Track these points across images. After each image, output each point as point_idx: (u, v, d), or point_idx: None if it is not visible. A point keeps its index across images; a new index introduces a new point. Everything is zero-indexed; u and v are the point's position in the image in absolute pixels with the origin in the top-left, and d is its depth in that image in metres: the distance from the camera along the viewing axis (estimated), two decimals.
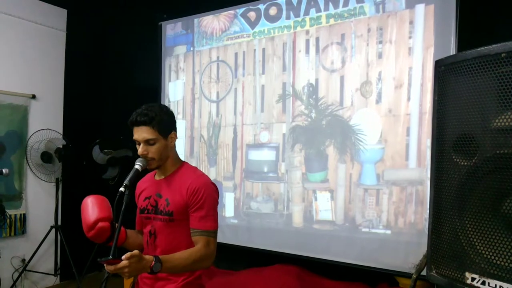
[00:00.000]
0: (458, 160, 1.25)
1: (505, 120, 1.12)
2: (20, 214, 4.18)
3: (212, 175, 3.85)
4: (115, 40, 4.83)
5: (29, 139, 4.20)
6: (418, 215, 2.90)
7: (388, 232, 3.02)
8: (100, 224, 1.64)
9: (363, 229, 3.11)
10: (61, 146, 4.22)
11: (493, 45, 1.14)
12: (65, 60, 4.66)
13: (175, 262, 1.57)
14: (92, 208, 1.67)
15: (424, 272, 1.47)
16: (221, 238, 3.59)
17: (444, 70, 1.30)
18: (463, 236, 1.22)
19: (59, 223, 4.30)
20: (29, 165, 4.20)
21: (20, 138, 4.20)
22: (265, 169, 3.62)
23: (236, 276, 3.43)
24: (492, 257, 1.14)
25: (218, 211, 1.78)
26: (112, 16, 4.74)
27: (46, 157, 4.14)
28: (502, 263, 1.12)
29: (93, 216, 1.64)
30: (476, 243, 1.19)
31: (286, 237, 3.46)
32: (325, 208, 3.29)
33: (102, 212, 1.65)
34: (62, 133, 4.47)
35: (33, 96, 4.31)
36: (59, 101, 4.62)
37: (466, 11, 2.75)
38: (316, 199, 3.33)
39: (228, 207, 3.81)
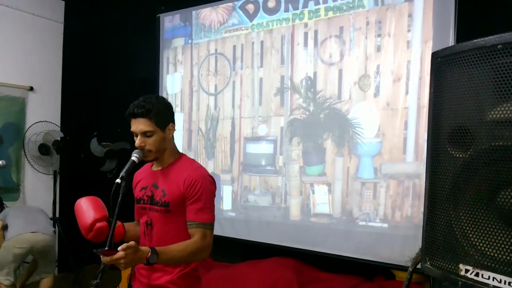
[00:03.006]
0: (453, 152, 1.25)
1: (500, 112, 1.11)
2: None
3: (210, 168, 3.85)
4: (113, 32, 4.81)
5: (26, 131, 4.20)
6: (415, 209, 2.91)
7: (385, 225, 3.03)
8: (98, 225, 1.64)
9: (360, 223, 3.12)
10: (59, 139, 4.21)
11: (490, 37, 1.13)
12: (63, 52, 4.65)
13: (171, 254, 1.58)
14: (87, 210, 1.67)
15: (420, 265, 1.47)
16: (219, 231, 3.64)
17: (440, 62, 1.30)
18: (458, 228, 1.22)
19: (57, 215, 4.30)
20: (26, 157, 4.20)
21: (17, 130, 4.19)
22: (263, 162, 3.62)
23: (233, 269, 3.44)
24: (486, 249, 1.15)
25: (215, 203, 1.78)
26: (109, 7, 4.71)
27: (44, 149, 4.14)
28: (496, 255, 1.12)
29: (90, 218, 1.65)
30: (471, 235, 1.19)
31: (284, 230, 3.47)
32: (322, 201, 3.29)
33: (98, 213, 1.66)
34: (60, 126, 4.47)
35: (31, 88, 4.30)
36: (57, 93, 4.62)
37: (464, 4, 2.74)
38: (313, 193, 3.34)
39: (225, 200, 3.82)
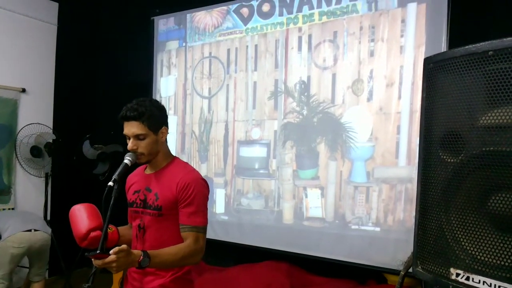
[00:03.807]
0: (445, 157, 1.26)
1: (491, 118, 1.12)
2: (9, 209, 4.14)
3: (203, 171, 3.85)
4: (107, 34, 4.80)
5: (18, 133, 4.16)
6: (407, 213, 2.92)
7: (377, 229, 3.04)
8: (92, 234, 1.64)
9: (353, 226, 3.13)
10: (51, 141, 4.18)
11: (481, 43, 1.14)
12: (56, 54, 4.62)
13: (163, 257, 1.57)
14: (81, 218, 1.66)
15: (412, 269, 1.48)
16: (212, 234, 3.63)
17: (432, 68, 1.31)
18: (449, 232, 1.23)
19: (49, 218, 4.26)
20: (18, 159, 4.16)
21: (9, 132, 4.16)
22: (256, 166, 3.62)
23: (226, 273, 3.43)
24: (477, 253, 1.15)
25: (208, 207, 1.78)
26: (103, 10, 4.70)
27: (35, 151, 4.10)
28: (486, 259, 1.13)
29: (84, 227, 1.64)
30: (461, 240, 1.19)
31: (276, 234, 3.47)
32: (315, 205, 3.30)
33: (92, 222, 1.65)
34: (52, 128, 4.43)
35: (23, 90, 4.27)
36: (49, 95, 4.58)
37: (457, 10, 2.77)
38: (306, 196, 3.34)
39: (218, 203, 3.81)
